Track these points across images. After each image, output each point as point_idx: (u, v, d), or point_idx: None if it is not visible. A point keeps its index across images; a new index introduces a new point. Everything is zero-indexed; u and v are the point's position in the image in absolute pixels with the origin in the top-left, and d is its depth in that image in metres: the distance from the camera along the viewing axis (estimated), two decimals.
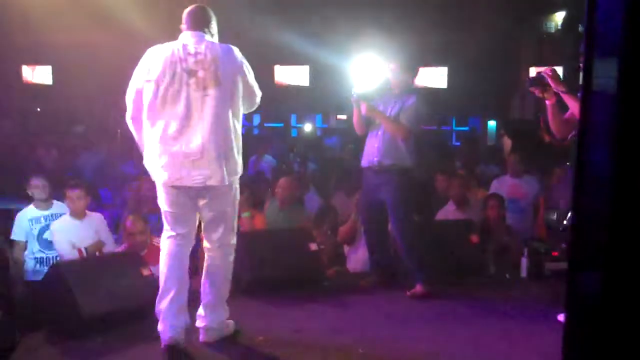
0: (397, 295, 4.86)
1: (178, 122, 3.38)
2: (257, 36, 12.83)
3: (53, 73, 17.46)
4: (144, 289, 4.25)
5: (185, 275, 3.62)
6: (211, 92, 3.40)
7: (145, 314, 4.17)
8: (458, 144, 17.09)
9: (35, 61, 17.45)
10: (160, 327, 3.52)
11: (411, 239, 4.91)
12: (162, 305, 3.52)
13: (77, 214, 5.50)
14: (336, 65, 15.32)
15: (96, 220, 5.64)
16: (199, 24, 3.55)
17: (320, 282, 5.12)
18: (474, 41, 13.18)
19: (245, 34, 10.80)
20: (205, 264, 3.73)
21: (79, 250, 5.30)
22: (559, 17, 14.83)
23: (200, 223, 3.73)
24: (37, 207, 5.79)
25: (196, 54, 3.42)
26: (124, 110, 3.58)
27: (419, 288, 4.80)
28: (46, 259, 5.68)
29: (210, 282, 3.70)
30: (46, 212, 5.78)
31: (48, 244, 5.67)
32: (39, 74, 17.69)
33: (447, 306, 4.65)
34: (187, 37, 3.51)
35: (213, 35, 3.62)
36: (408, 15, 13.34)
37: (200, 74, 3.39)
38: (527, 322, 4.27)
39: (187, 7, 3.62)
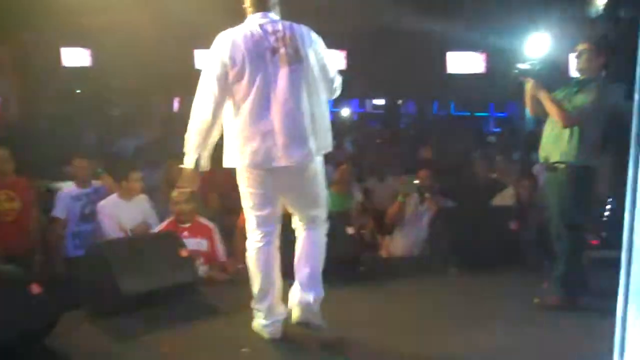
0: (433, 282, 4.82)
1: (268, 100, 3.36)
2: None
3: (92, 55, 17.62)
4: (181, 269, 4.30)
5: (278, 271, 3.62)
6: (295, 67, 3.38)
7: (182, 294, 4.22)
8: (497, 130, 16.87)
9: (74, 44, 17.63)
10: (263, 322, 3.60)
11: (570, 255, 4.26)
12: (262, 304, 3.58)
13: (128, 195, 5.57)
14: (374, 50, 15.26)
15: (143, 201, 5.69)
16: (268, 5, 3.53)
17: (356, 267, 5.09)
18: (509, 27, 12.91)
19: None
20: (301, 243, 3.66)
21: (125, 232, 5.36)
22: (600, 1, 14.48)
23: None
24: (78, 185, 5.93)
25: (275, 31, 3.42)
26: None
27: (554, 299, 4.33)
28: (82, 232, 5.80)
29: (310, 258, 3.61)
30: (87, 190, 5.91)
31: (85, 218, 5.79)
32: (77, 56, 17.86)
33: (480, 295, 4.60)
34: (260, 18, 3.48)
35: (277, 16, 3.58)
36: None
37: (282, 50, 3.39)
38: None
39: None
